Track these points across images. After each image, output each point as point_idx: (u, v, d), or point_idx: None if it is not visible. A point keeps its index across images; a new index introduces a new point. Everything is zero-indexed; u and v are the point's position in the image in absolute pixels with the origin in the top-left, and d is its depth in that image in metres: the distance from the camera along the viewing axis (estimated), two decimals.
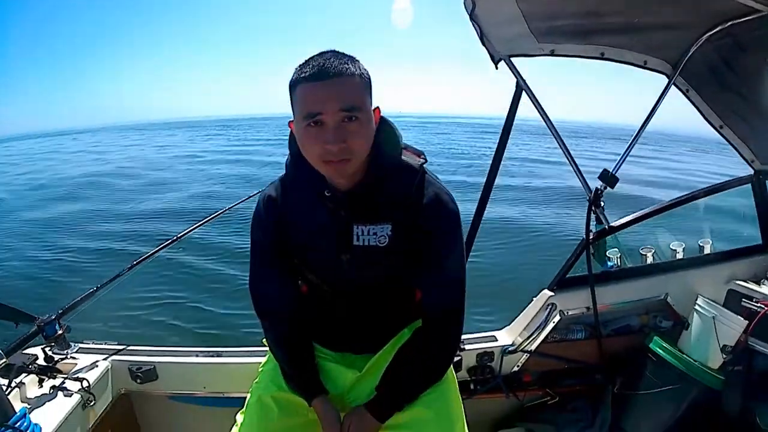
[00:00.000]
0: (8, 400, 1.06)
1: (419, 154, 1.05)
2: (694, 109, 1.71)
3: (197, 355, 1.64)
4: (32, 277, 5.33)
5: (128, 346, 1.66)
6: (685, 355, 1.59)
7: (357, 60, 0.92)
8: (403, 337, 1.17)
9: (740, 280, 1.69)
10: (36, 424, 1.08)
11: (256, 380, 1.28)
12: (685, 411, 1.55)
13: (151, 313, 4.28)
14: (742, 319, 1.57)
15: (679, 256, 1.75)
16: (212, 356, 1.63)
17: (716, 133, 1.71)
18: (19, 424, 1.04)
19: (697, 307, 1.67)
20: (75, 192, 11.63)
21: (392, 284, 1.11)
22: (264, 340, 1.30)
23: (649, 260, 1.74)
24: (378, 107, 0.97)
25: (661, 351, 1.58)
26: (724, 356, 1.58)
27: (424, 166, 1.05)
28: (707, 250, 1.78)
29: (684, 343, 1.67)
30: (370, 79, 0.93)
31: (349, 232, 1.03)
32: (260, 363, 1.35)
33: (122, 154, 24.85)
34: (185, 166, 16.96)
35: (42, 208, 9.67)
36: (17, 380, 1.35)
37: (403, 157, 1.02)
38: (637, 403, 1.60)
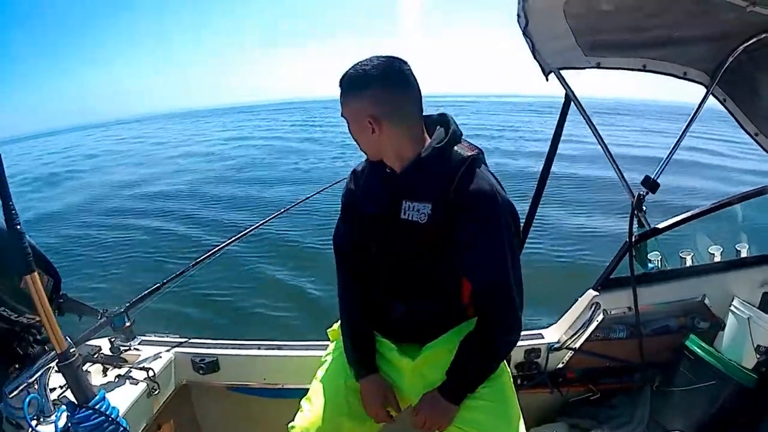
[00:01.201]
0: (89, 383, 1.09)
1: (473, 148, 1.16)
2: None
3: (258, 348, 1.72)
4: (100, 272, 5.53)
5: (190, 338, 1.74)
6: (721, 354, 1.64)
7: (367, 76, 1.08)
8: (461, 331, 1.23)
9: None
10: (114, 407, 1.11)
11: (321, 369, 1.37)
12: (720, 408, 1.59)
13: (214, 307, 4.44)
14: None
15: (717, 259, 1.81)
16: (273, 349, 1.71)
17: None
18: (99, 405, 1.07)
19: (732, 308, 1.72)
20: (138, 188, 11.75)
21: (437, 266, 1.19)
22: (329, 331, 1.39)
23: (688, 263, 1.79)
24: (372, 121, 1.11)
25: (698, 349, 1.63)
26: (758, 356, 1.62)
27: (482, 161, 1.15)
28: (744, 254, 1.83)
29: (720, 342, 1.73)
30: (371, 92, 1.09)
31: (398, 206, 1.16)
32: (320, 356, 1.43)
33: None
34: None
35: (107, 206, 9.85)
36: (83, 369, 1.42)
37: (455, 148, 1.14)
38: (675, 400, 1.66)
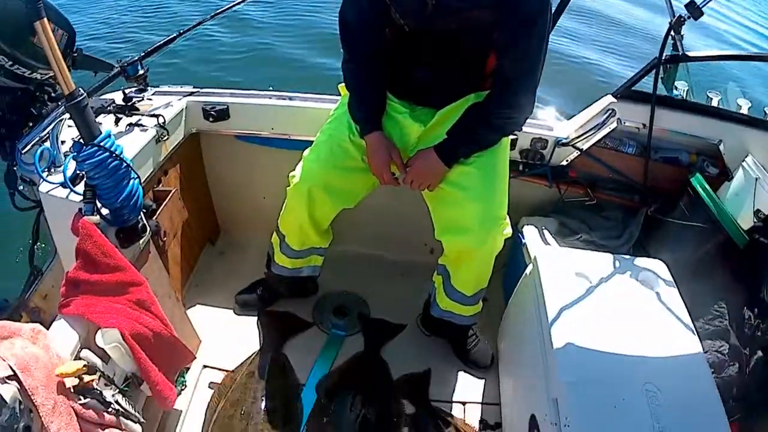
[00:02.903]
0: (96, 122, 1.08)
1: None
2: None
3: (269, 98, 1.71)
4: (115, 22, 5.27)
5: (202, 89, 1.73)
6: (721, 202, 1.65)
7: None
8: (468, 100, 1.24)
9: None
10: (119, 145, 1.10)
11: (327, 122, 1.38)
12: (705, 253, 1.64)
13: (229, 59, 4.42)
14: None
15: (744, 111, 1.78)
16: (283, 99, 1.71)
17: None
18: (104, 143, 1.07)
19: (744, 164, 1.72)
20: None
21: (469, 40, 1.19)
22: (339, 85, 1.38)
23: (714, 104, 1.79)
24: None
25: (700, 189, 1.66)
26: (755, 221, 1.63)
27: None
28: None
29: (723, 193, 1.75)
30: None
31: None
32: (330, 109, 1.44)
33: None
34: None
35: None
36: (94, 117, 1.45)
37: None
38: (665, 231, 1.71)
